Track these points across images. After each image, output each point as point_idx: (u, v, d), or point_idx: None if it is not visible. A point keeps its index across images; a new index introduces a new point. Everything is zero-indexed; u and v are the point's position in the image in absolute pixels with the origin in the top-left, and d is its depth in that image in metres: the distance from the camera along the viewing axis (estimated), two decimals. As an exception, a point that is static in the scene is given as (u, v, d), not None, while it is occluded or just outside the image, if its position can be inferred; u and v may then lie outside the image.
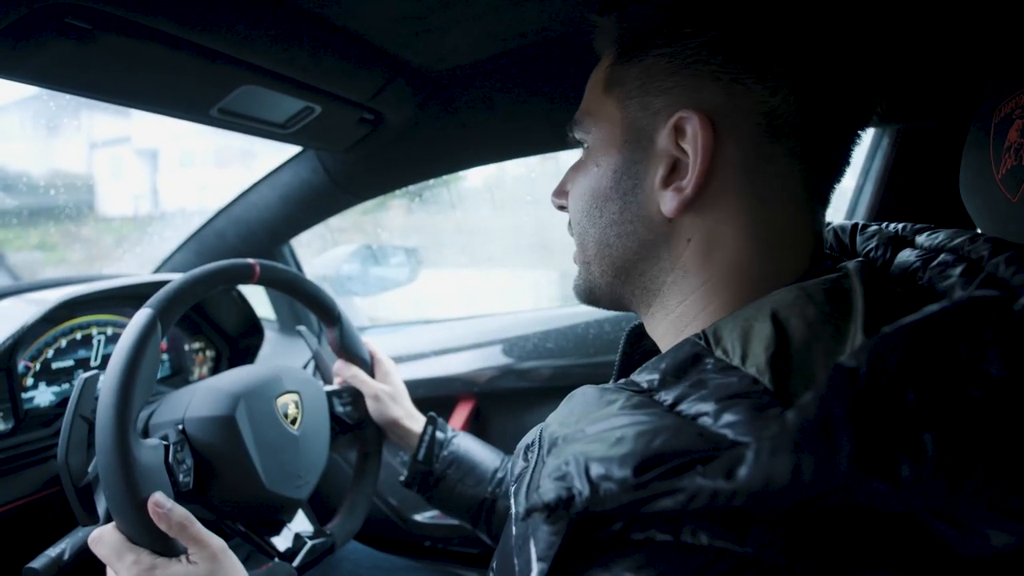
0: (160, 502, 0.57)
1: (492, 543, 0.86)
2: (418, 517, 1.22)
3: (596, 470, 0.31)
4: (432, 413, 0.89)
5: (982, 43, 0.68)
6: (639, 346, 0.57)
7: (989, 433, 0.25)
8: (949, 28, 0.69)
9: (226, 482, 0.69)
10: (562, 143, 0.98)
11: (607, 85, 0.45)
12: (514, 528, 0.41)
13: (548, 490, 0.33)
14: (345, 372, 0.90)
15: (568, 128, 0.50)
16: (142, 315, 0.62)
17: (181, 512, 0.58)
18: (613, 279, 0.47)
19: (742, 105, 0.40)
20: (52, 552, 0.61)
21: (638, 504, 0.30)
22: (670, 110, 0.41)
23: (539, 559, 0.32)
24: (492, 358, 1.26)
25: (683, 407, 0.34)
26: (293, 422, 0.77)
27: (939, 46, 0.72)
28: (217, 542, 0.59)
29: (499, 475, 0.84)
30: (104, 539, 0.57)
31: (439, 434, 0.87)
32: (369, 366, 0.92)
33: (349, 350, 0.90)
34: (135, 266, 1.46)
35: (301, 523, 0.83)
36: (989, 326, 0.26)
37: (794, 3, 0.39)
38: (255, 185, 1.14)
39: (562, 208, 0.53)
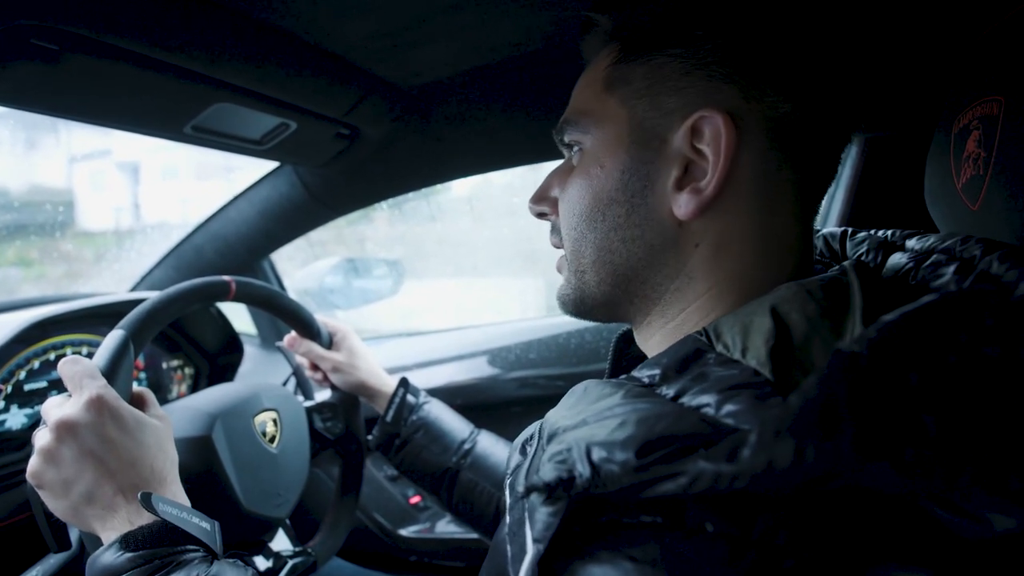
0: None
1: (450, 513, 0.86)
2: (404, 532, 1.21)
3: (598, 453, 0.31)
4: (404, 376, 0.88)
5: (941, 55, 0.70)
6: (627, 352, 0.57)
7: (989, 416, 0.26)
8: (911, 40, 0.71)
9: (203, 503, 0.68)
10: (538, 156, 0.99)
11: (608, 84, 0.44)
12: (507, 517, 0.40)
13: (548, 470, 0.33)
14: (300, 348, 0.88)
15: (556, 131, 0.48)
16: (113, 337, 0.62)
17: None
18: (612, 288, 0.45)
19: (756, 109, 0.40)
20: (23, 580, 0.60)
21: (640, 487, 0.30)
22: (686, 110, 0.41)
23: (535, 541, 0.32)
24: (475, 369, 1.26)
25: (685, 399, 0.34)
26: (271, 440, 0.76)
27: (902, 58, 0.74)
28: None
29: (466, 446, 0.84)
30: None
31: (410, 398, 0.86)
32: (327, 343, 0.89)
33: (307, 332, 0.87)
34: (114, 283, 1.44)
35: (282, 541, 0.82)
36: (989, 313, 0.27)
37: (796, 13, 0.40)
38: (233, 200, 1.14)
39: (542, 216, 0.51)
